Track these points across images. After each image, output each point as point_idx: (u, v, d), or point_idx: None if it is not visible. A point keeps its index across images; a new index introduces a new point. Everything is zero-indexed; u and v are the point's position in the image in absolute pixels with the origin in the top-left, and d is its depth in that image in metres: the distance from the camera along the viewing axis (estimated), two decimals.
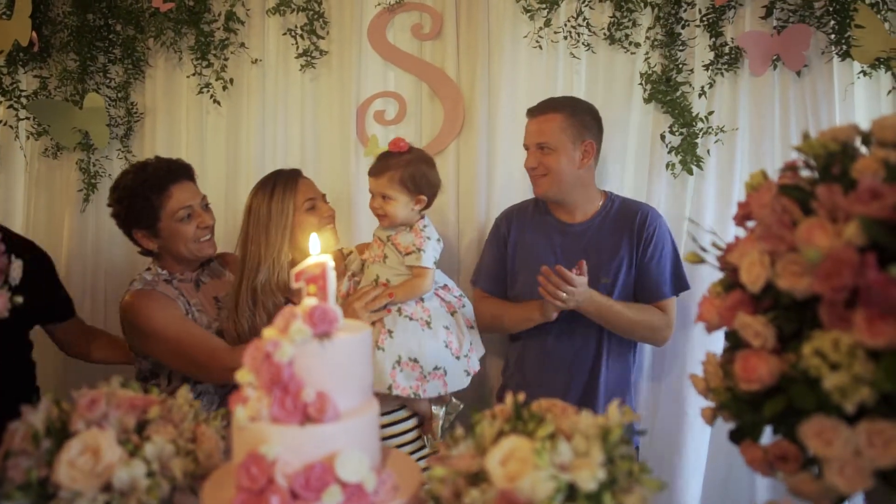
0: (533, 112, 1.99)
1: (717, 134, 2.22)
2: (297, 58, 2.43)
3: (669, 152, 2.22)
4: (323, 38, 2.43)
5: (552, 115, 1.94)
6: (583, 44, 2.28)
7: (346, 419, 0.95)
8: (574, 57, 2.29)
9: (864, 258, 0.80)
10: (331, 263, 1.04)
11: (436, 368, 1.78)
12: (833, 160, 0.97)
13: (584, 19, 2.26)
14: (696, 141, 2.22)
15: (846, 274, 0.81)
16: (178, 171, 1.86)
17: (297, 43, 2.42)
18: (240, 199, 2.50)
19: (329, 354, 0.96)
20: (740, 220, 1.09)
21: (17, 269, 1.33)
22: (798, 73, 2.19)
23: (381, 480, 0.94)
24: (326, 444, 0.92)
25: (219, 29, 2.44)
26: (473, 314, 1.94)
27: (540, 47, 2.30)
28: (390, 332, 1.77)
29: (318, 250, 1.07)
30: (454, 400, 1.93)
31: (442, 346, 1.80)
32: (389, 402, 1.84)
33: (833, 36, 2.15)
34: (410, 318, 1.79)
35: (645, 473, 0.92)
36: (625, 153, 2.34)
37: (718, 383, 1.03)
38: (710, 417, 1.05)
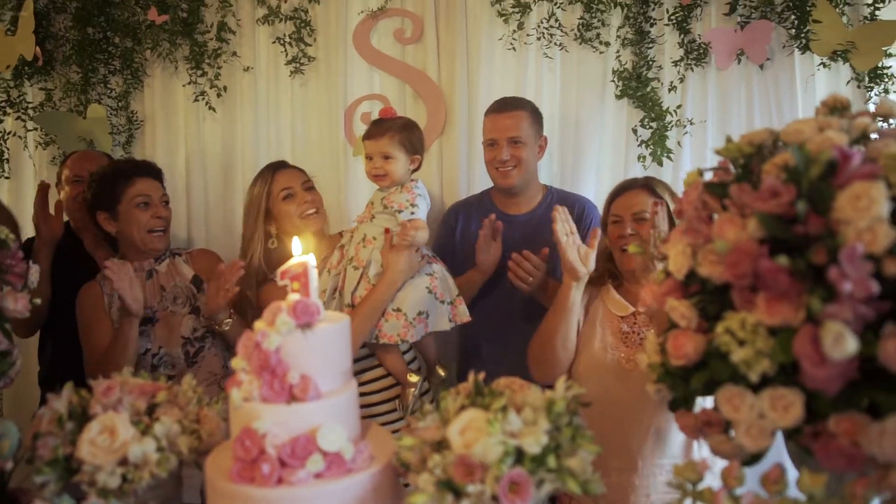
0: (500, 109, 2.13)
1: (685, 126, 2.34)
2: (286, 64, 2.57)
3: (640, 145, 2.35)
4: (310, 45, 2.56)
5: (520, 111, 2.10)
6: (555, 44, 2.40)
7: (326, 398, 1.09)
8: (547, 57, 2.42)
9: (760, 249, 0.93)
10: (312, 263, 1.18)
11: (419, 314, 1.89)
12: (752, 160, 1.10)
13: (556, 20, 2.38)
14: (667, 134, 2.34)
15: (746, 263, 0.94)
16: (146, 168, 2.07)
17: (286, 50, 2.56)
18: (237, 199, 2.65)
19: (311, 342, 1.10)
20: (677, 214, 1.22)
21: (34, 273, 1.48)
22: (761, 67, 2.31)
23: (358, 450, 1.09)
24: (309, 419, 1.06)
25: (212, 39, 2.58)
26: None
27: (514, 49, 2.42)
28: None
29: (300, 251, 1.21)
30: (440, 371, 2.06)
31: (425, 292, 1.91)
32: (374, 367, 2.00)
33: (793, 31, 2.27)
34: None
35: (584, 439, 1.06)
36: (601, 147, 2.47)
37: (655, 359, 1.16)
38: (653, 390, 1.19)
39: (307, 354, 1.10)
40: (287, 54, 2.55)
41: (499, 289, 2.14)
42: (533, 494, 0.98)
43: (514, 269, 1.95)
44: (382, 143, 1.91)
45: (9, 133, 2.71)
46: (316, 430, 1.05)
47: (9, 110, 2.69)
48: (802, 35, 2.25)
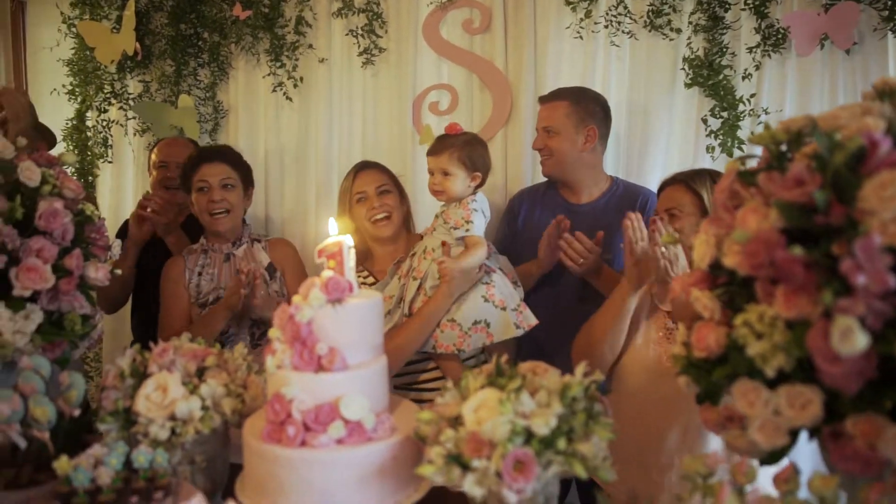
0: (542, 99, 2.17)
1: (759, 116, 2.24)
2: (358, 55, 2.67)
3: (708, 135, 2.27)
4: (381, 36, 2.65)
5: (558, 102, 2.11)
6: (623, 31, 2.35)
7: (352, 370, 1.16)
8: (615, 45, 2.37)
9: (777, 239, 0.90)
10: (349, 243, 1.24)
11: (475, 323, 1.87)
12: (791, 147, 1.06)
13: (625, 7, 2.34)
14: (739, 124, 2.25)
15: (763, 253, 0.92)
16: (213, 154, 2.21)
17: (358, 42, 2.65)
18: (309, 183, 2.80)
19: (340, 317, 1.17)
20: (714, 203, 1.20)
21: (116, 247, 1.64)
22: (847, 52, 2.17)
23: (379, 421, 1.15)
24: (335, 388, 1.13)
25: (290, 32, 2.72)
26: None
27: (581, 37, 2.40)
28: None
29: (336, 231, 1.28)
30: None
31: (480, 301, 1.89)
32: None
33: (885, 12, 2.11)
34: None
35: (599, 425, 1.06)
36: (669, 137, 2.40)
37: (680, 351, 1.15)
38: (684, 384, 1.18)
39: (337, 328, 1.16)
40: (359, 46, 2.65)
41: (560, 281, 2.14)
42: (538, 474, 1.00)
43: (565, 250, 1.95)
44: (442, 159, 1.91)
45: (113, 121, 2.97)
46: (339, 398, 1.12)
47: (113, 101, 2.96)
48: None
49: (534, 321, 1.92)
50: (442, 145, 1.93)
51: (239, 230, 2.22)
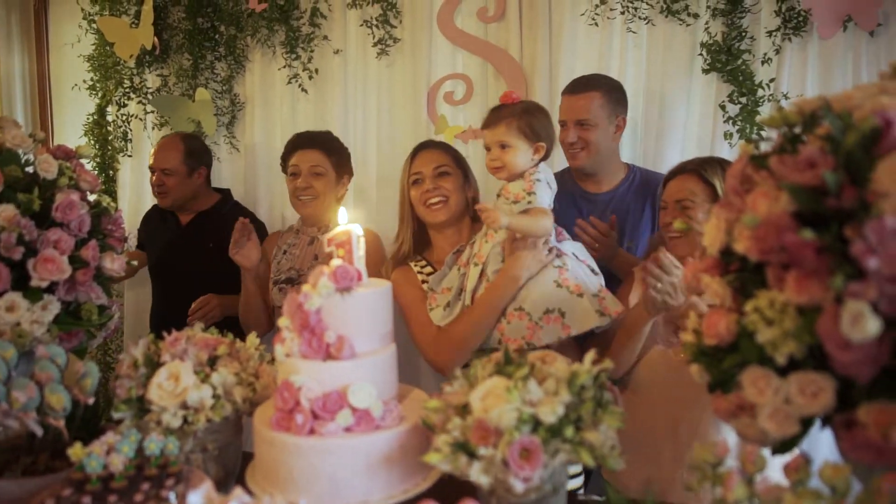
0: (572, 90, 2.10)
1: (779, 101, 2.19)
2: (373, 46, 2.66)
3: (726, 122, 2.23)
4: (396, 27, 2.64)
5: (591, 93, 2.05)
6: (639, 17, 2.32)
7: (360, 358, 1.16)
8: (631, 31, 2.34)
9: (787, 222, 0.88)
10: (358, 232, 1.25)
11: (547, 312, 1.66)
12: (805, 129, 1.03)
13: None
14: (758, 109, 2.20)
15: (772, 237, 0.90)
16: (307, 140, 2.26)
17: (373, 33, 2.65)
18: None
19: (349, 305, 1.17)
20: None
21: (132, 238, 1.67)
22: (871, 34, 2.11)
23: (387, 409, 1.15)
24: (343, 376, 1.14)
25: (305, 24, 2.73)
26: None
27: (596, 24, 2.37)
28: None
29: (346, 220, 1.28)
30: None
31: (552, 286, 1.67)
32: None
33: None
34: None
35: (607, 414, 1.05)
36: (686, 124, 2.37)
37: (690, 339, 1.13)
38: (696, 373, 1.16)
39: (345, 316, 1.17)
40: (374, 36, 2.65)
41: None
42: (545, 462, 0.99)
43: (580, 235, 1.93)
44: (499, 130, 1.71)
45: (132, 116, 3.01)
46: (347, 387, 1.12)
47: (132, 95, 3.00)
48: None
49: (620, 307, 1.70)
50: (497, 116, 1.74)
51: (328, 217, 2.20)
